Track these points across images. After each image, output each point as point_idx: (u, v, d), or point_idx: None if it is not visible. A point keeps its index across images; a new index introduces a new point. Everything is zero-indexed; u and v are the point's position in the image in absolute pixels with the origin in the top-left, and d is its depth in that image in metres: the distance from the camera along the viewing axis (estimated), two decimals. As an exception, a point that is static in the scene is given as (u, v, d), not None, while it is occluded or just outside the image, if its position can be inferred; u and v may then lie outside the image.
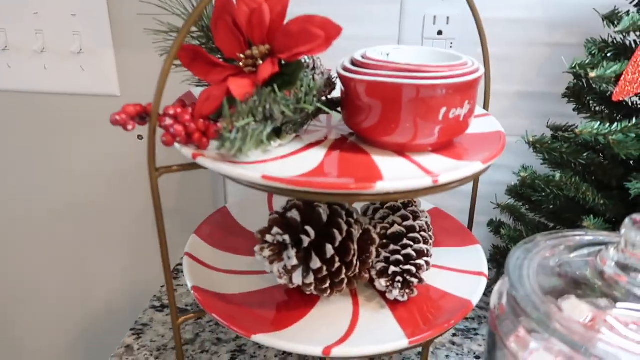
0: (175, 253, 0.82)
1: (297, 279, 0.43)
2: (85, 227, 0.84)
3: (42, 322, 0.94)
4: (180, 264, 0.75)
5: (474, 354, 0.58)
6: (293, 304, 0.47)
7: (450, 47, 0.64)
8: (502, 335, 0.37)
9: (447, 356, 0.57)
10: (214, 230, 0.57)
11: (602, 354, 0.31)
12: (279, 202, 0.63)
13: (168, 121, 0.37)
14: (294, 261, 0.42)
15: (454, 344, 0.59)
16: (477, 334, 0.61)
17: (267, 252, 0.42)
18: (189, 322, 0.62)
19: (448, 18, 0.63)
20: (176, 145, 0.39)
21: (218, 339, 0.59)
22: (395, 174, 0.38)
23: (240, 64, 0.42)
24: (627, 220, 0.33)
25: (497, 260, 0.62)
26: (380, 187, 0.35)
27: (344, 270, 0.44)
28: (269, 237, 0.43)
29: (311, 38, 0.38)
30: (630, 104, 0.52)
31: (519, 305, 0.35)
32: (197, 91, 0.51)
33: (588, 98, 0.52)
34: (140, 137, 0.76)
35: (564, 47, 0.63)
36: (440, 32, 0.64)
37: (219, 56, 0.45)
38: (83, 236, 0.85)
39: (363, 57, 0.43)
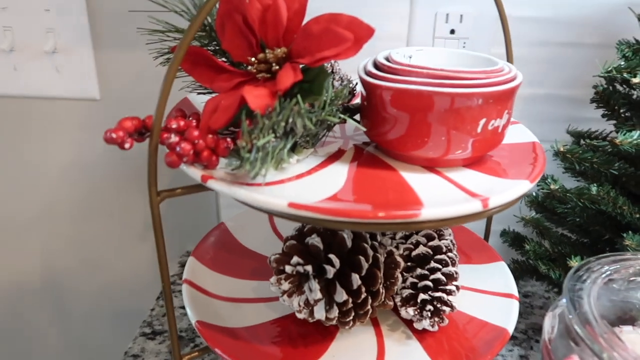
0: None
1: (320, 312, 0.38)
2: (57, 241, 0.77)
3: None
4: (171, 283, 0.69)
5: (497, 378, 0.54)
6: (309, 337, 0.42)
7: (464, 46, 0.60)
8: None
9: (468, 381, 0.53)
10: (212, 251, 0.51)
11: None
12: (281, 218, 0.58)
13: (173, 138, 0.31)
14: (318, 295, 0.37)
15: (473, 366, 0.55)
16: (497, 355, 0.57)
17: (285, 285, 0.37)
18: (185, 350, 0.56)
19: (461, 16, 0.58)
20: (182, 165, 0.33)
21: (219, 370, 0.54)
22: (434, 196, 0.33)
23: (251, 68, 0.36)
24: None
25: (515, 276, 0.58)
26: (426, 214, 0.30)
27: (369, 301, 0.39)
28: (288, 268, 0.37)
29: (338, 41, 0.33)
30: (661, 109, 0.49)
31: (581, 339, 0.31)
32: (194, 97, 0.46)
33: (618, 104, 0.48)
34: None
35: (580, 47, 0.60)
36: (452, 31, 0.59)
37: (225, 59, 0.39)
38: (57, 250, 0.78)
39: (388, 61, 0.38)
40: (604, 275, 0.34)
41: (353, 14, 0.61)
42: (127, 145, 0.31)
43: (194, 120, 0.35)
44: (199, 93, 0.41)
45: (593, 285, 0.34)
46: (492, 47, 0.60)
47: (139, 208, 0.73)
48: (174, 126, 0.33)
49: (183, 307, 0.63)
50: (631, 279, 0.34)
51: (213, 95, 0.37)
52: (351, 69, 0.45)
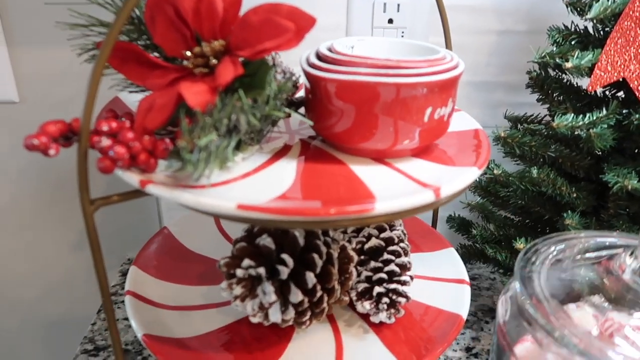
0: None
1: (275, 315, 0.36)
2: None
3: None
4: (112, 294, 0.65)
5: (451, 361, 0.55)
6: (265, 340, 0.41)
7: (402, 35, 0.60)
8: (514, 352, 0.34)
9: (424, 368, 0.54)
10: (156, 257, 0.49)
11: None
12: (227, 217, 0.56)
13: (105, 142, 0.29)
14: (272, 297, 0.35)
15: (428, 352, 0.56)
16: (449, 339, 0.58)
17: (238, 290, 0.35)
18: (132, 365, 0.53)
19: (398, 5, 0.58)
20: (116, 171, 0.30)
21: (170, 382, 0.51)
22: (386, 189, 0.33)
23: (187, 63, 0.34)
24: (648, 226, 0.31)
25: (464, 260, 0.59)
26: (380, 208, 0.30)
27: (325, 299, 0.38)
28: (239, 272, 0.36)
29: (278, 31, 0.31)
30: (592, 93, 0.51)
31: (533, 318, 0.32)
32: (126, 96, 0.43)
33: (551, 88, 0.50)
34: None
35: (513, 34, 0.62)
36: (390, 21, 0.59)
37: (157, 54, 0.37)
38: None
39: (331, 51, 0.37)
40: (551, 256, 0.35)
41: (290, 3, 0.60)
42: (51, 152, 0.28)
43: (127, 121, 0.33)
44: (130, 91, 0.38)
45: (542, 266, 0.34)
46: (430, 36, 0.61)
47: (72, 214, 0.68)
48: (105, 128, 0.30)
49: (126, 319, 0.59)
50: (576, 257, 0.36)
51: (147, 93, 0.34)
52: (292, 60, 0.43)
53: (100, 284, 0.33)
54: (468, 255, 0.58)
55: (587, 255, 0.36)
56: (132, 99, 0.42)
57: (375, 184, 0.33)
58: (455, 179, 0.33)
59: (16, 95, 0.60)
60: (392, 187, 0.33)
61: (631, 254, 0.32)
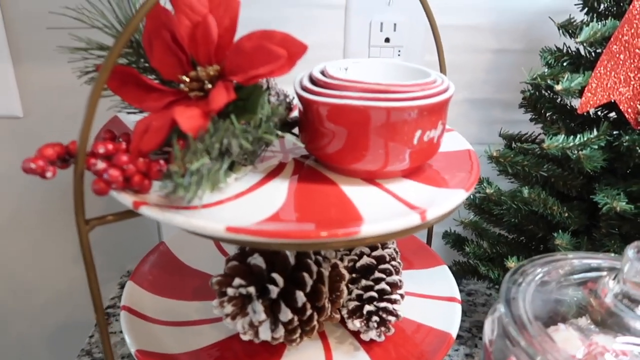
0: (103, 292, 0.72)
1: (265, 333, 0.37)
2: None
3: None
4: (110, 307, 0.66)
5: (444, 378, 0.55)
6: (256, 356, 0.41)
7: (399, 55, 0.61)
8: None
9: (417, 384, 0.54)
10: (153, 272, 0.49)
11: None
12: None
13: (100, 165, 0.30)
14: (262, 316, 0.36)
15: (422, 369, 0.56)
16: (443, 355, 0.58)
17: (228, 308, 0.36)
18: (128, 377, 0.54)
19: (395, 25, 0.59)
20: (111, 192, 0.31)
21: (165, 395, 0.52)
22: (374, 211, 0.33)
23: (183, 86, 0.35)
24: (629, 252, 0.31)
25: (458, 276, 0.60)
26: (365, 231, 0.30)
27: (315, 317, 0.39)
28: (230, 291, 0.36)
29: (271, 58, 0.32)
30: (584, 113, 0.52)
31: (516, 342, 0.32)
32: (126, 117, 0.44)
33: (544, 108, 0.51)
34: (51, 163, 0.65)
35: (509, 53, 0.62)
36: (387, 40, 0.60)
37: (154, 77, 0.38)
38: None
39: (324, 74, 0.38)
40: (537, 278, 0.36)
41: (289, 24, 0.61)
42: (48, 175, 0.29)
43: (124, 142, 0.34)
44: (128, 112, 0.39)
45: (528, 288, 0.35)
46: (426, 54, 0.62)
47: (72, 228, 0.69)
48: (101, 151, 0.31)
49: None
50: (562, 279, 0.36)
51: (144, 115, 0.35)
52: (288, 80, 0.44)
53: (94, 302, 0.34)
54: (462, 272, 0.59)
55: (573, 277, 0.36)
56: (131, 119, 0.43)
57: (365, 206, 0.34)
58: (442, 202, 0.34)
59: (21, 111, 0.62)
60: (380, 208, 0.34)
61: (614, 277, 0.33)
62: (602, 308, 0.33)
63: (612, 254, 0.37)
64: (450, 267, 0.53)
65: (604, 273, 0.35)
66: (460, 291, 0.68)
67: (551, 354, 0.30)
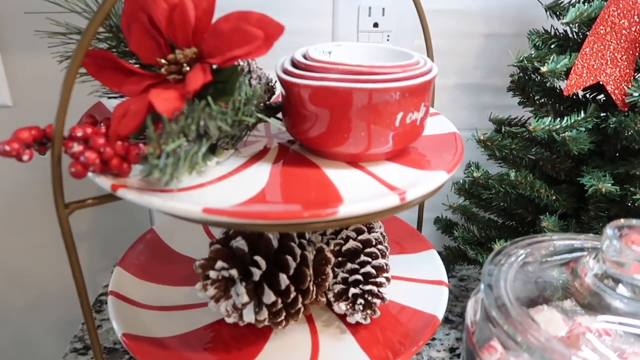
0: (97, 280, 0.72)
1: (249, 316, 0.37)
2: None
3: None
4: (103, 294, 0.66)
5: (434, 361, 0.55)
6: (242, 340, 0.41)
7: (387, 39, 0.61)
8: (480, 354, 0.34)
9: (407, 368, 0.54)
10: (141, 259, 0.50)
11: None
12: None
13: (77, 147, 0.30)
14: (245, 298, 0.36)
15: (412, 353, 0.57)
16: (434, 339, 0.58)
17: (211, 291, 0.36)
18: (120, 363, 0.54)
19: (383, 9, 0.59)
20: (89, 174, 0.31)
21: (156, 380, 0.52)
22: (355, 192, 0.33)
23: (162, 70, 0.35)
24: (608, 230, 0.31)
25: (448, 260, 0.60)
26: (343, 212, 0.30)
27: (300, 299, 0.39)
28: (212, 273, 0.36)
29: (248, 39, 0.32)
30: (572, 95, 0.51)
31: (497, 323, 0.32)
32: (109, 102, 0.44)
33: (533, 91, 0.50)
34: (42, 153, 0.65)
35: (499, 37, 0.62)
36: (376, 25, 0.60)
37: (134, 61, 0.37)
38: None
39: (305, 58, 0.38)
40: (519, 259, 0.36)
41: (277, 9, 0.61)
42: (25, 158, 0.29)
43: (104, 127, 0.34)
44: (109, 97, 0.39)
45: (509, 269, 0.35)
46: (415, 39, 0.61)
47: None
48: (79, 134, 0.31)
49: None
50: (545, 260, 0.36)
51: (124, 99, 0.35)
52: (272, 66, 0.44)
53: (76, 284, 0.34)
54: (452, 257, 0.59)
55: (556, 257, 0.36)
56: (114, 104, 0.43)
57: (345, 187, 0.34)
58: (422, 183, 0.34)
59: (9, 100, 0.62)
60: (361, 190, 0.34)
61: (594, 257, 0.33)
62: (583, 288, 0.33)
63: (595, 235, 0.37)
64: (440, 253, 0.53)
65: (585, 253, 0.34)
66: (453, 277, 0.69)
67: (532, 334, 0.30)
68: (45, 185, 0.67)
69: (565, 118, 0.45)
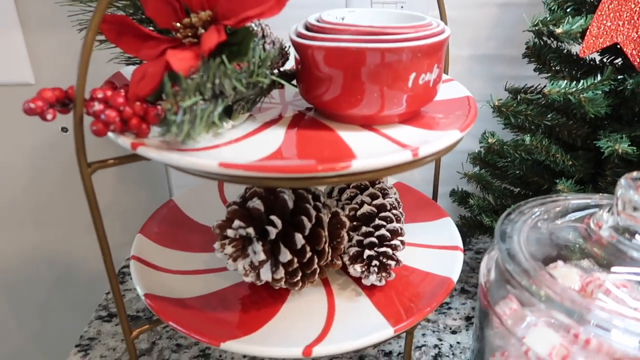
0: (119, 255, 0.74)
1: (266, 274, 0.38)
2: (6, 232, 0.75)
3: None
4: (125, 267, 0.68)
5: (450, 328, 0.56)
6: (261, 301, 0.43)
7: (402, 9, 0.60)
8: (495, 311, 0.35)
9: (423, 334, 0.55)
10: (161, 227, 0.51)
11: (598, 319, 0.29)
12: (231, 190, 0.58)
13: (97, 106, 0.31)
14: (261, 256, 0.37)
15: (428, 320, 0.57)
16: (450, 308, 0.59)
17: (229, 249, 0.37)
18: (142, 330, 0.56)
19: (397, -21, 0.59)
20: (110, 135, 0.32)
21: (178, 345, 0.54)
22: (368, 150, 0.34)
23: (178, 34, 0.35)
24: (622, 181, 0.31)
25: (464, 232, 0.60)
26: (357, 166, 0.31)
27: (316, 260, 0.40)
28: (230, 232, 0.37)
29: (260, 0, 0.32)
30: (589, 60, 0.51)
31: (512, 277, 0.33)
32: (127, 71, 0.45)
33: (548, 57, 0.50)
34: (64, 130, 0.67)
35: (514, 7, 0.61)
36: (390, -5, 0.59)
37: (151, 27, 0.38)
38: (4, 242, 0.75)
39: (318, 21, 0.38)
40: (533, 216, 0.36)
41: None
42: (49, 116, 0.30)
43: (123, 91, 0.35)
44: (128, 64, 0.40)
45: (523, 226, 0.35)
46: (430, 10, 0.61)
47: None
48: (99, 95, 0.32)
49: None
50: (559, 218, 0.36)
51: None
52: (286, 35, 0.45)
53: (100, 243, 0.35)
54: (468, 227, 0.59)
55: (570, 215, 0.36)
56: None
57: (359, 147, 0.34)
58: (435, 140, 0.34)
59: (32, 77, 0.63)
60: (373, 148, 0.34)
61: (609, 210, 0.33)
62: (598, 242, 0.33)
63: (610, 195, 0.37)
64: (455, 224, 0.54)
65: (600, 210, 0.34)
66: (469, 249, 0.69)
67: (547, 285, 0.30)
68: (62, 163, 0.69)
69: (582, 81, 0.44)
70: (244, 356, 0.53)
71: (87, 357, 0.53)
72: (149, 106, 0.33)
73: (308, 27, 0.38)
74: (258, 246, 0.37)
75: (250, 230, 0.37)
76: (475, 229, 0.59)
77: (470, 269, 0.66)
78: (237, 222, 0.37)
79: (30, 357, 0.84)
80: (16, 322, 0.81)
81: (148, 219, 0.51)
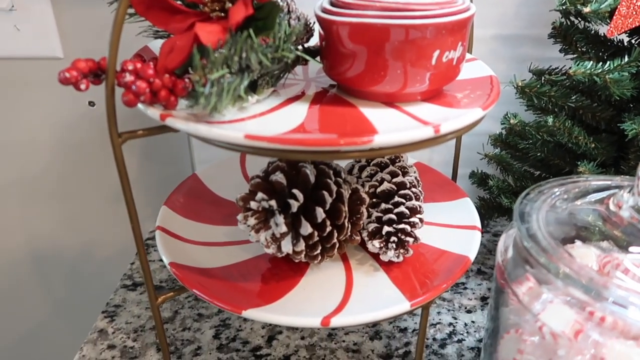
0: (143, 228, 0.76)
1: (287, 246, 0.39)
2: (34, 205, 0.77)
3: None
4: (148, 239, 0.70)
5: (465, 308, 0.57)
6: (281, 274, 0.44)
7: (426, -11, 0.60)
8: (511, 287, 0.35)
9: (438, 313, 0.56)
10: (185, 200, 0.52)
11: (615, 297, 0.29)
12: (252, 165, 0.59)
13: (128, 77, 0.32)
14: (283, 228, 0.38)
15: (444, 299, 0.58)
16: (465, 288, 0.60)
17: (252, 221, 0.38)
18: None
19: (423, -43, 0.58)
20: (140, 106, 0.33)
21: (199, 314, 0.56)
22: (390, 126, 0.34)
23: (206, 8, 0.36)
24: (644, 161, 0.31)
25: (482, 214, 0.60)
26: (379, 141, 0.31)
27: (335, 234, 0.40)
28: (253, 204, 0.38)
29: (288, -26, 0.33)
30: (616, 41, 0.50)
31: (530, 254, 0.33)
32: (155, 45, 0.45)
33: (575, 38, 0.49)
34: (91, 104, 0.69)
35: (543, -15, 0.60)
36: (415, -27, 0.59)
37: (180, 1, 0.39)
38: (33, 215, 0.78)
39: (344, -2, 0.39)
40: (553, 197, 0.36)
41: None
42: (82, 86, 0.31)
43: (152, 64, 0.35)
44: (156, 37, 0.41)
45: (542, 205, 0.35)
46: (455, -12, 0.60)
47: (112, 166, 0.73)
48: (130, 67, 0.33)
49: (161, 260, 0.64)
50: (578, 199, 0.36)
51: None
52: (310, 11, 0.45)
53: (129, 211, 0.37)
54: (486, 208, 0.59)
55: (590, 196, 0.36)
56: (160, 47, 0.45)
57: (380, 123, 0.35)
58: (457, 118, 0.34)
59: (61, 52, 0.65)
60: (395, 124, 0.34)
61: (629, 191, 0.33)
62: (617, 223, 0.33)
63: (631, 177, 0.37)
64: (474, 205, 0.54)
65: (621, 191, 0.35)
66: (487, 232, 0.69)
67: (565, 263, 0.30)
68: (88, 138, 0.71)
69: (608, 62, 0.44)
70: (263, 327, 0.54)
71: (113, 322, 0.55)
72: (178, 79, 0.34)
73: (333, 3, 0.39)
74: (280, 218, 0.38)
75: (273, 202, 0.38)
76: (494, 210, 0.59)
77: (488, 250, 0.66)
78: (260, 195, 0.38)
79: (58, 323, 0.87)
80: (45, 289, 0.85)
81: (172, 191, 0.53)
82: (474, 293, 0.59)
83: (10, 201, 0.77)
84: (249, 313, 0.38)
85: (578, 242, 0.36)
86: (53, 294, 0.85)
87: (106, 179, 0.75)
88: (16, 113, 0.70)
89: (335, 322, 0.37)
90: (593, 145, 0.47)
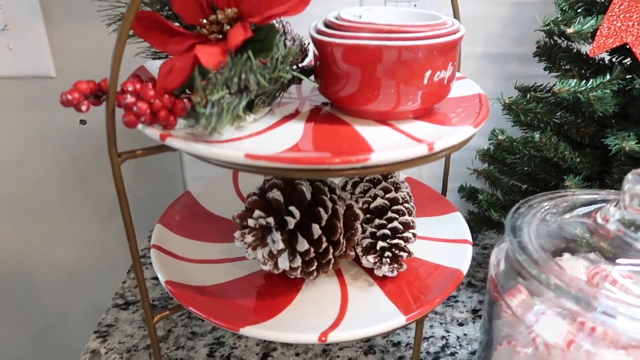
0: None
1: (284, 263, 0.40)
2: (24, 223, 0.76)
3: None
4: (141, 257, 0.70)
5: (457, 321, 0.57)
6: (277, 290, 0.44)
7: (415, 7, 0.62)
8: (505, 300, 0.36)
9: (431, 326, 0.57)
10: (179, 217, 0.53)
11: (604, 307, 0.30)
12: (245, 182, 0.60)
13: (129, 99, 0.32)
14: (280, 245, 0.38)
15: (436, 313, 0.59)
16: (457, 301, 0.60)
17: (249, 238, 0.39)
18: (158, 317, 0.57)
19: (411, -22, 0.60)
20: (139, 126, 0.34)
21: (193, 332, 0.56)
22: (384, 144, 0.35)
23: (204, 30, 0.37)
24: (630, 176, 0.32)
25: (472, 227, 0.61)
26: (374, 159, 0.32)
27: (331, 250, 0.41)
28: (250, 222, 0.39)
29: (285, -3, 0.34)
30: (598, 60, 0.52)
31: (522, 267, 0.34)
32: (150, 66, 0.46)
33: (558, 56, 0.51)
34: (82, 122, 0.69)
35: (527, 5, 0.62)
36: (403, -6, 0.61)
37: (177, 23, 0.40)
38: (23, 233, 0.77)
39: (338, 19, 0.40)
40: (542, 210, 0.37)
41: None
42: (83, 108, 0.32)
43: (150, 84, 0.36)
44: (154, 58, 0.42)
45: (533, 219, 0.36)
46: (443, 8, 0.62)
47: (103, 185, 0.73)
48: (130, 88, 0.34)
49: (155, 278, 0.64)
50: (567, 213, 0.37)
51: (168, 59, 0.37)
52: (305, 32, 0.46)
53: (126, 230, 0.37)
54: (476, 222, 0.60)
55: (577, 210, 0.37)
56: (156, 67, 0.45)
57: (375, 141, 0.36)
58: (449, 135, 0.35)
59: (53, 70, 0.65)
60: (390, 142, 0.35)
61: (615, 204, 0.34)
62: (604, 235, 0.34)
63: (617, 191, 0.38)
64: (464, 218, 0.55)
65: (607, 205, 0.36)
66: (476, 245, 0.70)
67: (556, 275, 0.31)
68: (82, 155, 0.71)
69: (591, 80, 0.46)
70: (257, 344, 0.54)
71: (106, 342, 0.54)
72: (177, 99, 0.35)
73: (327, 25, 0.40)
74: (277, 235, 0.38)
75: (270, 219, 0.38)
76: (483, 224, 0.60)
77: (477, 263, 0.67)
78: (257, 212, 0.39)
79: (49, 343, 0.86)
80: (36, 308, 0.83)
81: (166, 209, 0.53)
82: (465, 306, 0.60)
83: (0, 218, 0.76)
84: (247, 330, 0.38)
85: (566, 255, 0.37)
86: (44, 312, 0.84)
87: (96, 197, 0.75)
88: (8, 131, 0.70)
89: (333, 337, 0.38)
90: (578, 159, 0.49)
